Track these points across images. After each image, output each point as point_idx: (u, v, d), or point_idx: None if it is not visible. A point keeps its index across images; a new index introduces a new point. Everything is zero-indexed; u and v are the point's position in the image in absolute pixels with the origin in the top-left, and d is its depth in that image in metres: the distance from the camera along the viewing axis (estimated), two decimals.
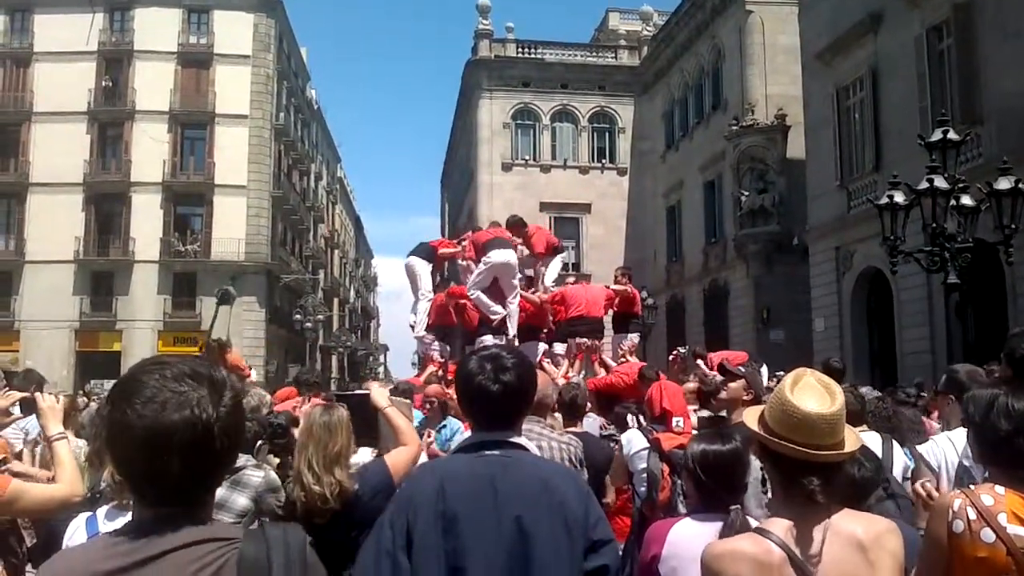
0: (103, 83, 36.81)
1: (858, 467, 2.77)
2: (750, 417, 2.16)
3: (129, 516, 1.52)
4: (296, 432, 4.89)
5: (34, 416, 3.27)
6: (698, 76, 32.50)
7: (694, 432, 4.21)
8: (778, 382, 2.37)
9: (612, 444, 5.35)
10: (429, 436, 5.98)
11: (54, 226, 34.75)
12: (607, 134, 37.14)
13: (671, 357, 8.95)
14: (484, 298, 8.97)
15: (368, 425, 3.62)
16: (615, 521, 4.53)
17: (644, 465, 4.46)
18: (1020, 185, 11.40)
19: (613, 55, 38.49)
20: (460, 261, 10.17)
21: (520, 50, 37.28)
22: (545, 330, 9.77)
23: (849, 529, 1.98)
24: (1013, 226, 11.50)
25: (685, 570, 2.45)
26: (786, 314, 25.42)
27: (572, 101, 36.59)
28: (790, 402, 2.01)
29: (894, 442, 4.15)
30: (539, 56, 37.14)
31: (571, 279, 10.92)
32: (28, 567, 4.10)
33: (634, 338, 10.12)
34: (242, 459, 3.68)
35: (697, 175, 31.77)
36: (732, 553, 1.98)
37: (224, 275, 35.13)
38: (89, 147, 36.42)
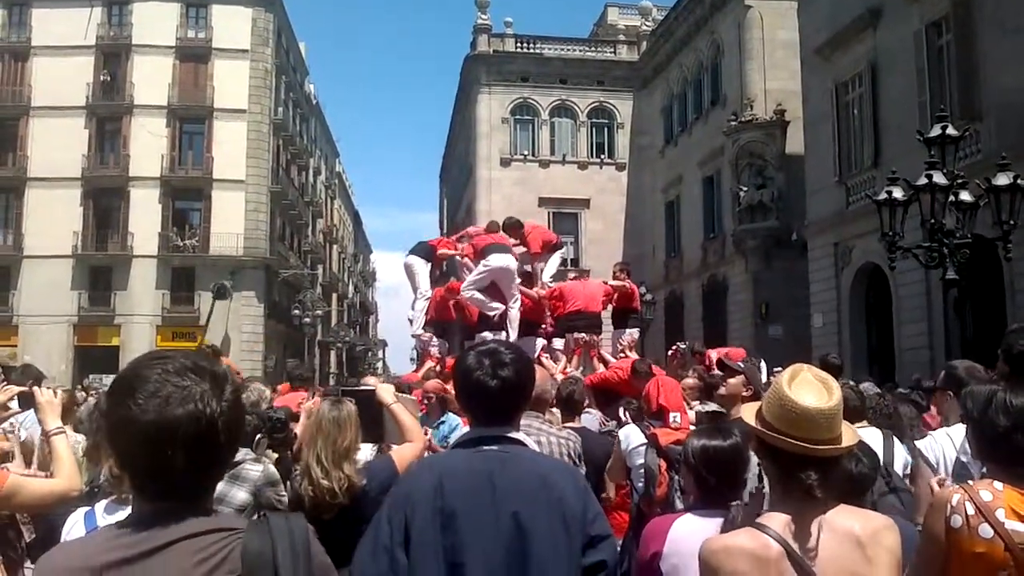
0: (101, 77, 36.70)
1: (855, 462, 2.77)
2: (748, 413, 2.16)
3: (128, 510, 1.51)
4: (295, 427, 4.90)
5: (30, 412, 3.27)
6: (697, 71, 32.45)
7: (691, 428, 4.21)
8: None
9: (611, 439, 5.35)
10: (426, 432, 5.97)
11: (52, 221, 34.65)
12: (606, 129, 37.10)
13: (670, 352, 8.94)
14: (480, 296, 8.98)
15: (374, 421, 3.60)
16: (613, 516, 4.53)
17: (642, 461, 4.47)
18: (1019, 181, 11.41)
19: (612, 50, 38.44)
20: (458, 258, 10.17)
21: (519, 45, 37.21)
22: (543, 325, 9.79)
23: (847, 525, 1.98)
24: (1012, 222, 11.51)
25: (686, 567, 2.44)
26: (785, 310, 25.40)
27: (571, 96, 36.54)
28: (788, 397, 2.01)
29: (895, 438, 4.16)
30: (538, 51, 37.07)
31: (571, 275, 10.92)
32: (27, 562, 4.10)
33: (634, 333, 10.13)
34: (241, 453, 3.68)
35: (696, 170, 31.73)
36: (730, 548, 1.98)
37: (223, 270, 35.15)
38: (87, 141, 36.36)
